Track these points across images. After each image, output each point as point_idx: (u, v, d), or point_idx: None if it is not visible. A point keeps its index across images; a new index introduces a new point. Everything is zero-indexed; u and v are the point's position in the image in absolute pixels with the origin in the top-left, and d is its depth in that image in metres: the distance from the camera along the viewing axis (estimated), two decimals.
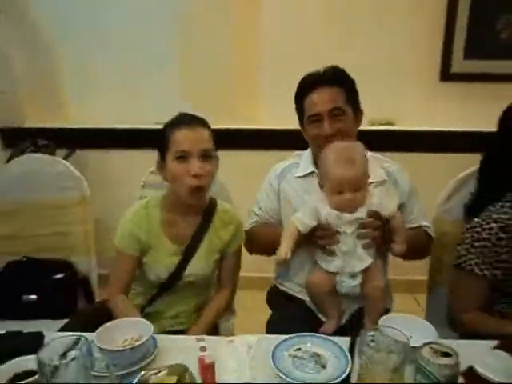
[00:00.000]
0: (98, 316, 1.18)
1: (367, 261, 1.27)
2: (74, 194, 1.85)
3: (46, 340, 1.06)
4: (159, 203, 1.36)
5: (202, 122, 1.29)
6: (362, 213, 1.24)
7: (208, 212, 1.39)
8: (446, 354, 0.80)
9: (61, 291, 1.80)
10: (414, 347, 0.87)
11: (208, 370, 0.89)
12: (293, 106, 1.50)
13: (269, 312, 1.58)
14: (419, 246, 1.46)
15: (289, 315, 1.44)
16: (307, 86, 1.42)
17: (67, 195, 1.85)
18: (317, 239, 1.29)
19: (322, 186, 1.30)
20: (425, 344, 0.83)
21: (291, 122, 1.57)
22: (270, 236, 1.41)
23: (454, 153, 2.33)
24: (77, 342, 0.86)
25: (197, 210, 1.37)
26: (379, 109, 2.35)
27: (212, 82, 2.50)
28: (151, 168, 1.76)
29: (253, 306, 1.49)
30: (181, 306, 1.41)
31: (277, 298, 1.58)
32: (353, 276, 1.28)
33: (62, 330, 1.32)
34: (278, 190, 1.53)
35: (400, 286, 1.77)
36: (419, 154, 2.40)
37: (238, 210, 1.52)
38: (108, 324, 1.04)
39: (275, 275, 1.64)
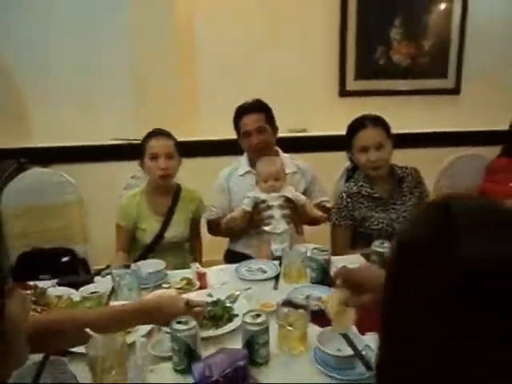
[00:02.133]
0: None
1: (284, 226, 1.96)
2: (73, 196, 2.45)
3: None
4: (143, 190, 2.04)
5: (167, 135, 2.01)
6: (283, 193, 1.98)
7: (176, 192, 2.08)
8: (324, 250, 1.57)
9: (67, 270, 2.39)
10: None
11: (202, 277, 1.58)
12: (226, 121, 2.18)
13: None
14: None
15: None
16: (241, 112, 2.14)
17: (67, 198, 2.45)
18: (256, 216, 1.99)
19: (257, 183, 2.03)
20: (313, 248, 1.60)
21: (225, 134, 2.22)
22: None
23: None
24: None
25: (168, 191, 2.06)
26: (295, 120, 3.06)
27: (163, 105, 2.92)
28: (131, 174, 2.40)
29: None
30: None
31: (231, 255, 2.26)
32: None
33: None
34: (228, 188, 2.21)
35: None
36: (325, 153, 2.98)
37: None
38: (137, 263, 1.68)
39: (229, 243, 2.33)
